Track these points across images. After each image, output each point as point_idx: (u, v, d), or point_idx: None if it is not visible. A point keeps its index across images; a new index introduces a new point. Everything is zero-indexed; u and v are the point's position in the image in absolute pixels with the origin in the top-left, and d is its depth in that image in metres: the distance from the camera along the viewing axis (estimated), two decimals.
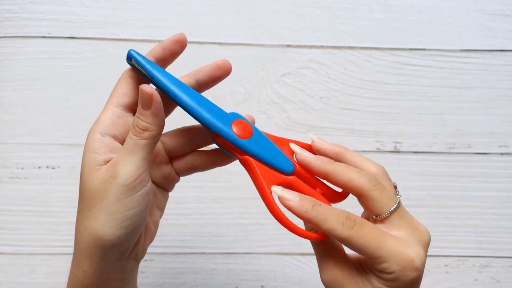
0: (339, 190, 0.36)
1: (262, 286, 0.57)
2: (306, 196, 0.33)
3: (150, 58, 0.35)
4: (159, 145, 0.38)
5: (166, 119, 0.36)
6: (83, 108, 0.57)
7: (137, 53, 0.34)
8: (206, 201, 0.57)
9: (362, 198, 0.34)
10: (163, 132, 0.36)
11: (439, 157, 0.58)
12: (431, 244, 0.57)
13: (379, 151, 0.58)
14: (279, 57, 0.58)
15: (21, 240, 0.56)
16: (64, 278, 0.55)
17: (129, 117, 0.35)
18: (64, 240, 0.55)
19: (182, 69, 0.39)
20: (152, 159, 0.34)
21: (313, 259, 0.57)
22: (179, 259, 0.56)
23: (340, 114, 0.58)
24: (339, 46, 0.58)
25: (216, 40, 0.57)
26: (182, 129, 0.38)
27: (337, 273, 0.34)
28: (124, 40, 0.57)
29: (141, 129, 0.33)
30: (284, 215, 0.33)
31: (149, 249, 0.56)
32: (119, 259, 0.35)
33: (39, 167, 0.56)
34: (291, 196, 0.32)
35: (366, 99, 0.58)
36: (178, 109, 0.37)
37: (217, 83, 0.38)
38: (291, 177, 0.35)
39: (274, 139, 0.36)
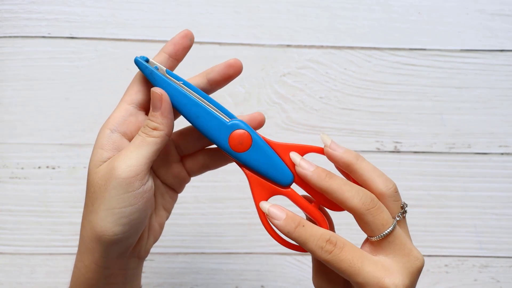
0: None
1: (262, 286, 0.57)
2: (293, 215, 0.33)
3: (162, 55, 0.36)
4: (170, 143, 0.39)
5: (177, 120, 0.37)
6: (83, 108, 0.57)
7: (140, 62, 0.35)
8: (205, 201, 0.57)
9: (355, 218, 0.34)
10: (174, 131, 0.36)
11: (439, 157, 0.58)
12: (431, 244, 0.57)
13: (379, 151, 0.58)
14: (279, 57, 0.58)
15: (21, 240, 0.56)
16: (64, 278, 0.55)
17: (141, 116, 0.36)
18: (64, 240, 0.55)
19: (182, 69, 0.39)
20: (153, 161, 0.35)
21: None
22: (179, 259, 0.56)
23: (340, 114, 0.58)
24: (339, 46, 0.58)
25: (216, 40, 0.57)
26: (192, 126, 0.39)
27: (324, 284, 0.35)
28: (124, 40, 0.57)
29: (150, 127, 0.34)
30: (271, 228, 0.34)
31: None
32: (120, 256, 0.36)
33: (39, 167, 0.56)
34: (277, 215, 0.33)
35: (366, 99, 0.58)
36: None
37: (228, 82, 0.38)
38: (288, 189, 0.36)
39: (277, 146, 0.35)
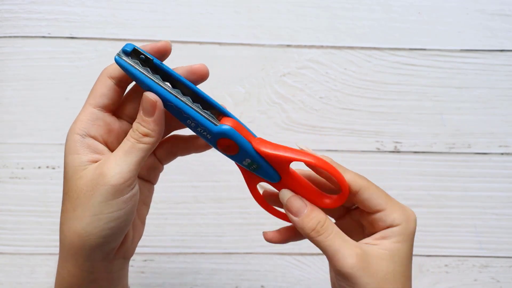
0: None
1: (262, 286, 0.57)
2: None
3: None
4: None
5: None
6: None
7: (122, 63, 0.32)
8: (205, 201, 0.57)
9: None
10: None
11: (439, 157, 0.58)
12: (431, 244, 0.57)
13: (379, 151, 0.58)
14: (279, 57, 0.58)
15: (21, 240, 0.55)
16: None
17: (108, 118, 0.35)
18: None
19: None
20: (141, 166, 0.34)
21: (313, 259, 0.57)
22: (179, 259, 0.56)
23: (340, 114, 0.58)
24: (339, 46, 0.58)
25: (216, 40, 0.57)
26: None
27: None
28: (124, 40, 0.57)
29: (141, 133, 0.33)
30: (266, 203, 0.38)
31: (148, 249, 0.56)
32: (105, 259, 0.35)
33: (39, 167, 0.56)
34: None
35: (366, 99, 0.58)
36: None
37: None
38: (276, 184, 0.37)
39: (263, 153, 0.35)
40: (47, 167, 0.56)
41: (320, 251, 0.34)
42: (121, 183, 0.32)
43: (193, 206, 0.57)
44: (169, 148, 0.39)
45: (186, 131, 0.36)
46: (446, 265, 0.57)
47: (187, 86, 0.34)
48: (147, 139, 0.33)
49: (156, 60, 0.33)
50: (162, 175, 0.40)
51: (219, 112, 0.35)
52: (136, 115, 0.34)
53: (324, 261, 0.56)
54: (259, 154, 0.35)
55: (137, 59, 0.33)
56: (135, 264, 0.56)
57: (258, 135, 0.36)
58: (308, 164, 0.35)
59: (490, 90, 0.58)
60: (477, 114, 0.58)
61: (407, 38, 0.58)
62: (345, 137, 0.57)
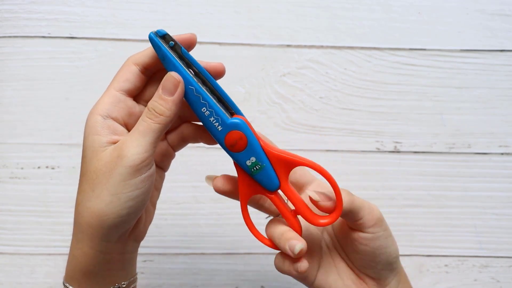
0: (318, 212, 0.37)
1: (262, 286, 0.57)
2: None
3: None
4: None
5: None
6: (83, 108, 0.56)
7: (155, 41, 0.34)
8: (205, 201, 0.57)
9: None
10: None
11: (439, 157, 0.58)
12: (431, 244, 0.57)
13: (379, 151, 0.58)
14: (279, 57, 0.58)
15: (21, 240, 0.55)
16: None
17: (129, 101, 0.36)
18: (64, 240, 0.55)
19: None
20: (157, 145, 0.35)
21: None
22: (178, 259, 0.56)
23: (340, 114, 0.58)
24: (339, 46, 0.58)
25: (216, 40, 0.57)
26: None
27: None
28: (124, 40, 0.57)
29: (157, 112, 0.34)
30: (252, 225, 0.38)
31: (148, 250, 0.56)
32: (120, 239, 0.36)
33: (39, 167, 0.56)
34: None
35: (366, 99, 0.58)
36: None
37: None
38: (272, 194, 0.36)
39: (271, 153, 0.36)
40: (47, 167, 0.56)
41: None
42: (138, 163, 0.33)
43: (193, 206, 0.57)
44: (181, 133, 0.39)
45: None
46: (446, 265, 0.57)
47: (207, 79, 0.35)
48: (162, 118, 0.34)
49: (183, 49, 0.34)
50: None
51: (230, 111, 0.36)
52: None
53: None
54: (265, 153, 0.35)
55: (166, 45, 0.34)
56: None
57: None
58: (312, 168, 0.35)
59: (490, 90, 0.58)
60: (477, 114, 0.58)
61: (407, 38, 0.58)
62: (345, 137, 0.57)
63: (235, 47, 0.57)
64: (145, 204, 0.36)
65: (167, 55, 0.34)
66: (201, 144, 0.40)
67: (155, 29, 0.34)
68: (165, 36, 0.34)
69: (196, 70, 0.35)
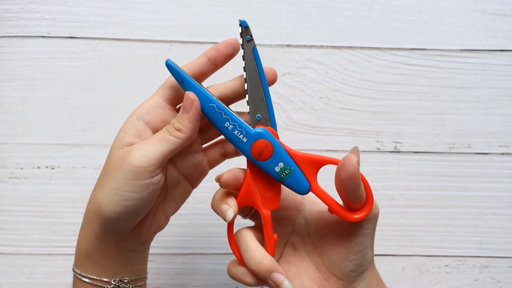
0: None
1: (262, 287, 0.57)
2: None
3: (202, 57, 0.37)
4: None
5: None
6: (83, 108, 0.57)
7: (171, 66, 0.36)
8: (205, 201, 0.57)
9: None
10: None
11: (439, 157, 0.58)
12: (431, 244, 0.57)
13: (379, 151, 0.58)
14: (279, 57, 0.58)
15: (21, 240, 0.55)
16: (64, 279, 0.55)
17: (168, 110, 0.38)
18: (63, 241, 0.55)
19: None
20: (168, 158, 0.36)
21: None
22: (178, 259, 0.56)
23: (340, 114, 0.58)
24: (339, 46, 0.58)
25: (216, 40, 0.57)
26: None
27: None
28: (124, 40, 0.57)
29: (175, 127, 0.36)
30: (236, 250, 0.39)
31: None
32: (118, 235, 0.37)
33: (39, 167, 0.56)
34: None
35: (366, 99, 0.58)
36: None
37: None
38: (265, 212, 0.37)
39: (297, 157, 0.37)
40: (47, 167, 0.56)
41: None
42: (142, 166, 0.34)
43: (193, 206, 0.56)
44: (222, 149, 0.40)
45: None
46: (446, 265, 0.57)
47: (262, 84, 0.37)
48: (178, 134, 0.35)
49: (255, 48, 0.36)
50: None
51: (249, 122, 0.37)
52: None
53: None
54: (291, 157, 0.36)
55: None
56: None
57: None
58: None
59: (490, 90, 0.58)
60: (477, 114, 0.58)
61: (407, 38, 0.58)
62: (345, 137, 0.57)
63: None
64: (143, 210, 0.37)
65: (185, 77, 0.36)
66: None
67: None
68: (247, 28, 0.36)
69: (257, 72, 0.36)
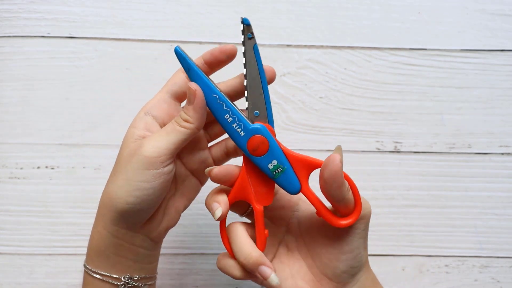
0: None
1: (262, 287, 0.57)
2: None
3: (200, 59, 0.39)
4: (201, 132, 0.41)
5: None
6: (83, 108, 0.57)
7: (180, 54, 0.37)
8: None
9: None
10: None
11: (439, 157, 0.58)
12: (431, 244, 0.57)
13: (379, 151, 0.58)
14: (279, 57, 0.58)
15: (20, 240, 0.55)
16: (63, 279, 0.55)
17: (173, 105, 0.39)
18: (63, 241, 0.55)
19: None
20: (178, 149, 0.37)
21: None
22: (178, 260, 0.56)
23: (340, 114, 0.58)
24: (339, 46, 0.58)
25: (216, 40, 0.57)
26: None
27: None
28: (124, 40, 0.57)
29: (182, 118, 0.37)
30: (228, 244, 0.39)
31: None
32: (130, 229, 0.38)
33: (39, 167, 0.56)
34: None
35: (366, 99, 0.58)
36: None
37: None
38: (258, 207, 0.38)
39: (291, 156, 0.37)
40: (47, 167, 0.56)
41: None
42: (154, 156, 0.36)
43: (193, 206, 0.56)
44: (224, 147, 0.41)
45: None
46: (446, 265, 0.57)
47: (262, 81, 0.38)
48: (186, 124, 0.37)
49: (256, 46, 0.37)
50: None
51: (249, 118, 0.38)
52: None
53: None
54: (286, 156, 0.37)
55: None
56: None
57: None
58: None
59: (490, 90, 0.58)
60: (477, 114, 0.58)
61: (407, 38, 0.58)
62: (345, 137, 0.57)
63: None
64: (155, 201, 0.37)
65: (191, 66, 0.36)
66: None
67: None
68: (249, 26, 0.36)
69: (257, 69, 0.37)
